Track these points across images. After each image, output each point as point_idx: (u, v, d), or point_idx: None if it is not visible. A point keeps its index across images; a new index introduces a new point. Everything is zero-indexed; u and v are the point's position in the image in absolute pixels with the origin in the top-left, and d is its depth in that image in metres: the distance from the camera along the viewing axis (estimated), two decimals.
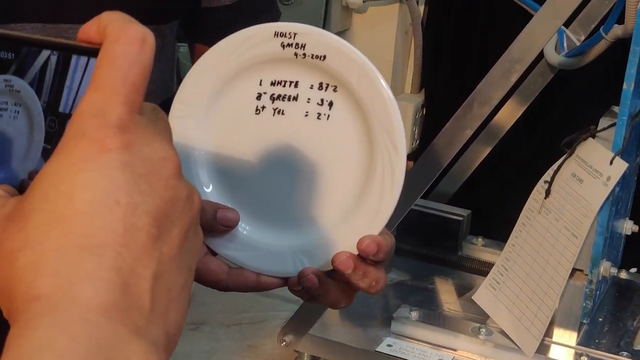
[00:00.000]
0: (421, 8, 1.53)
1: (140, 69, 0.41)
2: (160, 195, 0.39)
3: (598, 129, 1.14)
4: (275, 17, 1.04)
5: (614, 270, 1.17)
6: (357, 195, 0.75)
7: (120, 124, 0.39)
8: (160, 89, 0.95)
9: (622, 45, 1.19)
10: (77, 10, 0.87)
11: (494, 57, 1.40)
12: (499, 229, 1.42)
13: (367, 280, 0.74)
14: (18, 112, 0.46)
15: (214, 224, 0.74)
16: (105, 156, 0.38)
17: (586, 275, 1.14)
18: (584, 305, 1.14)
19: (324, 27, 1.46)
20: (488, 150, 1.44)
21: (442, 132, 1.12)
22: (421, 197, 1.44)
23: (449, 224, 1.39)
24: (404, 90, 1.57)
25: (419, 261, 1.36)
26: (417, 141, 1.59)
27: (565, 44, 1.29)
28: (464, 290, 1.30)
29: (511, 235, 1.21)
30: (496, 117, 1.42)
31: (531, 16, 1.34)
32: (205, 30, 1.01)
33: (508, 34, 1.41)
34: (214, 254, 0.77)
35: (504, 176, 1.48)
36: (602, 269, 1.14)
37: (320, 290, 0.74)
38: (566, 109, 1.42)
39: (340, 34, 1.52)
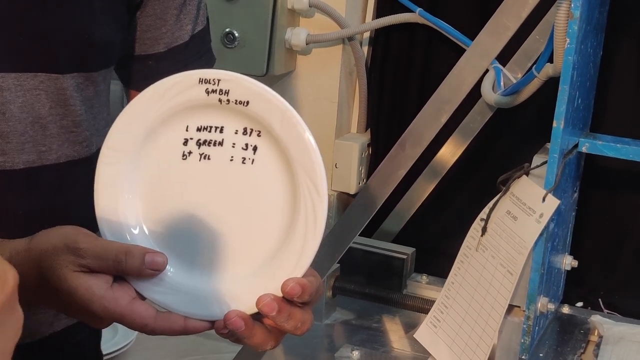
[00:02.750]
0: (365, 49, 1.54)
1: None
2: None
3: (531, 166, 1.15)
4: (209, 63, 1.05)
5: (552, 306, 1.18)
6: (281, 239, 0.76)
7: None
8: (95, 137, 0.95)
9: (554, 84, 1.21)
10: (6, 60, 0.87)
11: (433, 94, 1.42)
12: (443, 266, 1.43)
13: (292, 322, 0.75)
14: None
15: (142, 269, 0.75)
16: None
17: (523, 311, 1.14)
18: (522, 341, 1.15)
19: (267, 70, 1.48)
20: (431, 188, 1.45)
21: (376, 172, 1.13)
22: (365, 236, 1.45)
23: (393, 262, 1.40)
24: (350, 130, 1.59)
25: (363, 300, 1.37)
26: (364, 180, 1.60)
27: (502, 83, 1.31)
28: (407, 328, 1.31)
29: (450, 273, 1.22)
30: (438, 156, 1.44)
31: None
32: (138, 77, 1.02)
33: (445, 72, 1.43)
34: (143, 297, 0.77)
35: (448, 213, 1.49)
36: (539, 305, 1.15)
37: (245, 333, 0.75)
38: (505, 146, 1.44)
39: (285, 76, 1.53)
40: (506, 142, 1.47)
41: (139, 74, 1.02)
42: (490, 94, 1.31)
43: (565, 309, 1.34)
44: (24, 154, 0.89)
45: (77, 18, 0.90)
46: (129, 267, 0.74)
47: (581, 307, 1.40)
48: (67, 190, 0.93)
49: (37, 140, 0.90)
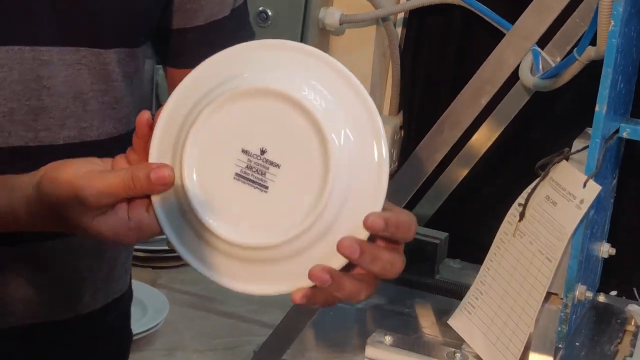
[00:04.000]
0: (399, 30, 1.52)
1: None
2: None
3: (572, 151, 1.13)
4: (250, 39, 1.04)
5: (590, 294, 1.16)
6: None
7: None
8: (134, 114, 0.94)
9: (592, 67, 1.18)
10: (51, 33, 0.86)
11: (469, 78, 1.40)
12: (476, 252, 1.41)
13: (379, 263, 0.70)
14: None
15: (152, 187, 0.72)
16: None
17: (561, 299, 1.12)
18: (560, 329, 1.12)
19: None
20: (465, 172, 1.43)
21: (413, 155, 1.11)
22: None
23: (426, 247, 1.37)
24: (382, 112, 1.56)
25: (395, 285, 1.35)
26: (396, 163, 1.58)
27: (540, 66, 1.29)
28: (440, 314, 1.29)
29: (486, 259, 1.19)
30: (473, 139, 1.41)
31: (503, 36, 1.34)
32: (177, 52, 1.00)
33: (483, 55, 1.41)
34: None
35: (482, 198, 1.47)
36: (577, 293, 1.13)
37: (333, 287, 0.70)
38: (543, 131, 1.41)
39: None
40: (541, 126, 1.45)
41: (177, 48, 1.00)
42: (528, 77, 1.28)
43: (602, 298, 1.32)
44: (65, 130, 0.89)
45: None
46: (139, 190, 0.72)
47: (615, 295, 1.38)
48: None
49: (78, 116, 0.89)
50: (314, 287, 0.71)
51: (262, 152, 0.70)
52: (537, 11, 1.02)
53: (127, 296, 1.10)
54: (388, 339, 1.17)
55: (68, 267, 0.95)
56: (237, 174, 0.71)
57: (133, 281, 1.11)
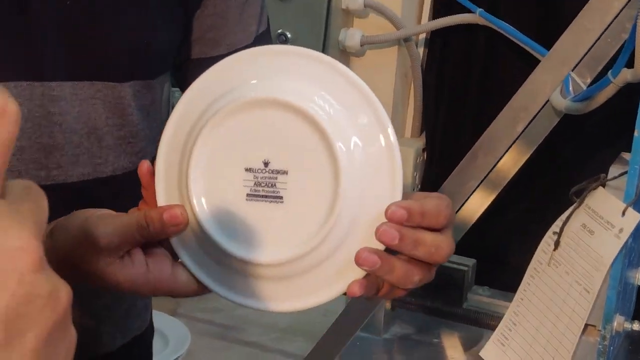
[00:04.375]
0: (420, 50, 1.49)
1: None
2: (11, 292, 0.33)
3: (608, 177, 1.09)
4: None
5: (628, 325, 1.12)
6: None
7: None
8: (151, 146, 0.90)
9: (630, 89, 1.15)
10: (62, 68, 0.82)
11: (494, 99, 1.37)
12: (504, 278, 1.37)
13: (422, 248, 0.66)
14: None
15: (165, 229, 0.68)
16: None
17: (599, 330, 1.08)
18: None
19: None
20: (493, 197, 1.39)
21: (447, 182, 1.07)
22: None
23: (453, 274, 1.34)
24: (404, 134, 1.53)
25: (423, 314, 1.31)
26: (418, 186, 1.54)
27: (571, 88, 1.25)
28: (470, 345, 1.25)
29: (519, 288, 1.16)
30: (500, 163, 1.37)
31: (533, 58, 1.31)
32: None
33: (508, 76, 1.38)
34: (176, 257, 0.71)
35: (509, 223, 1.43)
36: (615, 324, 1.09)
37: (385, 268, 0.65)
38: (572, 154, 1.38)
39: None
40: (570, 150, 1.41)
41: (196, 77, 0.96)
42: (559, 100, 1.24)
43: (636, 326, 1.28)
44: (78, 167, 0.85)
45: (134, 23, 0.85)
46: (152, 232, 0.68)
47: None
48: (123, 201, 0.88)
49: (92, 152, 0.86)
50: (366, 276, 0.67)
51: (266, 164, 0.67)
52: (575, 35, 0.98)
53: (148, 332, 1.06)
54: None
55: (85, 305, 0.91)
56: (248, 195, 0.68)
57: (153, 311, 1.08)
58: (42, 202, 0.38)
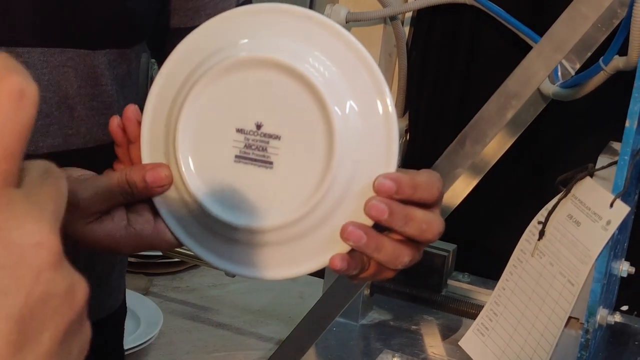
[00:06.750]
0: (406, 29, 1.45)
1: (15, 130, 0.33)
2: (27, 291, 0.31)
3: (597, 167, 1.07)
4: None
5: (610, 318, 1.10)
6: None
7: None
8: None
9: (620, 77, 1.12)
10: (31, 33, 0.78)
11: (479, 81, 1.33)
12: (485, 264, 1.35)
13: (413, 224, 0.63)
14: None
15: (149, 190, 0.66)
16: None
17: (581, 323, 1.06)
18: (579, 356, 1.06)
19: None
20: (476, 182, 1.36)
21: (433, 169, 1.04)
22: None
23: (433, 260, 1.31)
24: None
25: (401, 300, 1.29)
26: (399, 166, 1.52)
27: (559, 73, 1.22)
28: (449, 333, 1.23)
29: (501, 278, 1.13)
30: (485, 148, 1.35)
31: (520, 42, 1.28)
32: None
33: (494, 59, 1.34)
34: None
35: (491, 209, 1.41)
36: (598, 317, 1.07)
37: (371, 244, 0.63)
38: (557, 140, 1.35)
39: None
40: (555, 136, 1.39)
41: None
42: (547, 85, 1.21)
43: (617, 317, 1.26)
44: (48, 138, 0.81)
45: None
46: (135, 194, 0.66)
47: (626, 311, 1.32)
48: None
49: (63, 123, 0.82)
50: (350, 251, 0.64)
51: (258, 126, 0.65)
52: (570, 20, 0.95)
53: (120, 312, 1.03)
54: None
55: None
56: (237, 156, 0.65)
57: (126, 290, 1.04)
58: (61, 186, 0.36)
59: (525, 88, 0.98)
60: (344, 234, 0.63)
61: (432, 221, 0.65)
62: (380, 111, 0.64)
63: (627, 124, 1.00)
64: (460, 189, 1.37)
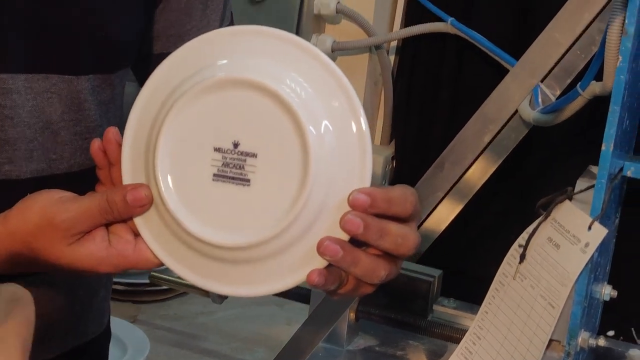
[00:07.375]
0: (392, 58, 1.47)
1: None
2: None
3: (575, 190, 1.08)
4: None
5: (592, 341, 1.11)
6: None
7: None
8: None
9: (598, 102, 1.14)
10: (15, 59, 0.80)
11: (464, 109, 1.35)
12: (471, 289, 1.36)
13: (389, 238, 0.64)
14: None
15: (130, 210, 0.68)
16: None
17: (563, 346, 1.07)
18: None
19: None
20: (460, 207, 1.38)
21: None
22: None
23: (419, 285, 1.32)
24: (374, 141, 1.51)
25: (387, 325, 1.29)
26: None
27: (540, 99, 1.24)
28: (435, 358, 1.23)
29: (484, 301, 1.14)
30: (468, 173, 1.36)
31: (503, 69, 1.30)
32: None
33: (478, 86, 1.36)
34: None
35: (477, 234, 1.42)
36: (580, 340, 1.08)
37: (347, 259, 0.64)
38: (539, 166, 1.37)
39: None
40: (537, 161, 1.40)
41: None
42: (528, 111, 1.23)
43: (601, 341, 1.26)
44: (32, 163, 0.83)
45: (95, 14, 0.83)
46: (116, 214, 0.68)
47: (612, 336, 1.33)
48: None
49: (47, 148, 0.84)
50: (328, 266, 0.66)
51: (235, 145, 0.66)
52: (544, 46, 0.97)
53: (103, 338, 1.04)
54: None
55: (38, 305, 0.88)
56: (215, 175, 0.67)
57: (112, 318, 1.05)
58: (30, 314, 0.36)
59: (502, 112, 1.00)
60: (320, 249, 0.64)
61: (407, 235, 0.66)
62: (354, 130, 0.66)
63: (603, 148, 1.01)
64: (445, 214, 1.39)
